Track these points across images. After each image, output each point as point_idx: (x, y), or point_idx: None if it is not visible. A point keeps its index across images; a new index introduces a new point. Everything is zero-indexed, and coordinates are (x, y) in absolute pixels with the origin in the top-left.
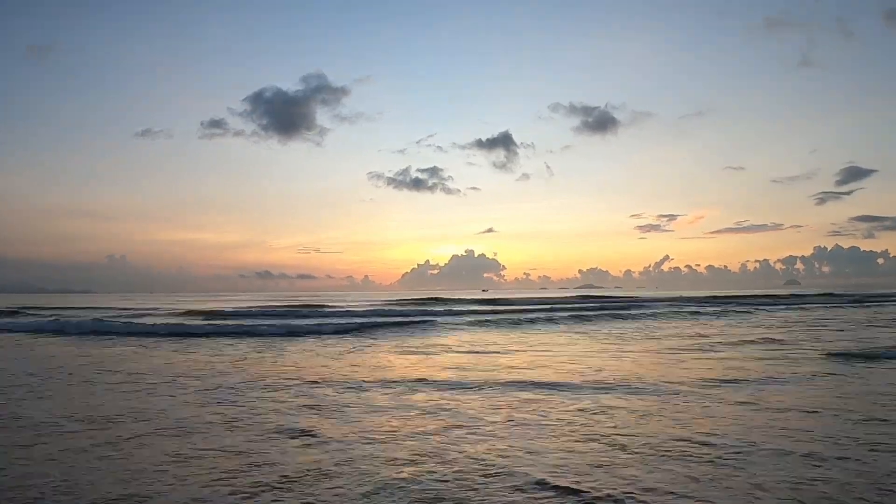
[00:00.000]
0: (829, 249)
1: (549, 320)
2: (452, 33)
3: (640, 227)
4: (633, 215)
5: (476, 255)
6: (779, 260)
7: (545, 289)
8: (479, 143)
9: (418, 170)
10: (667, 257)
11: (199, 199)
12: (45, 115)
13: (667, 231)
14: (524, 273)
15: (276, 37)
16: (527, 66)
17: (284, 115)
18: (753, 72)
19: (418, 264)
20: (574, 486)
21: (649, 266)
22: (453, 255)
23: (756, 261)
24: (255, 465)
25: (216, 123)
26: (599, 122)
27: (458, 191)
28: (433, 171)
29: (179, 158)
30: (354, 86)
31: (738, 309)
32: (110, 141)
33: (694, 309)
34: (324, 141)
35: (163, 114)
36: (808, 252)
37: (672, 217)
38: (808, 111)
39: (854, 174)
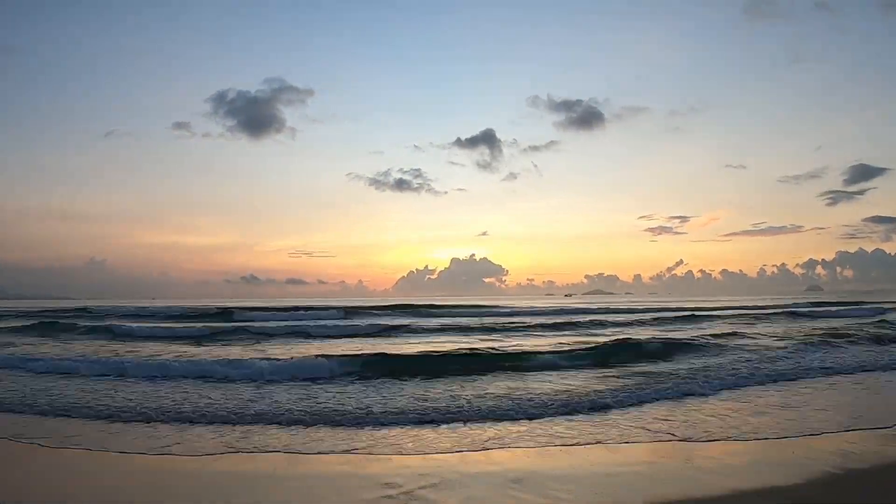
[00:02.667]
0: (852, 253)
1: None
2: (422, 28)
3: (650, 230)
4: (642, 216)
5: (478, 259)
6: (798, 264)
7: (551, 295)
8: (460, 142)
9: (400, 170)
10: (681, 261)
11: (180, 201)
12: (9, 116)
13: (680, 233)
14: (528, 279)
15: (239, 38)
16: (506, 59)
17: (252, 116)
18: (748, 64)
19: (417, 269)
20: None
21: (661, 271)
22: (453, 259)
23: (773, 265)
24: None
25: (183, 125)
26: (586, 116)
27: (445, 192)
28: (416, 172)
29: (155, 159)
30: (321, 86)
31: None
32: (80, 142)
33: None
34: (297, 143)
35: (129, 115)
36: (829, 256)
37: (684, 219)
38: (811, 106)
39: (864, 173)
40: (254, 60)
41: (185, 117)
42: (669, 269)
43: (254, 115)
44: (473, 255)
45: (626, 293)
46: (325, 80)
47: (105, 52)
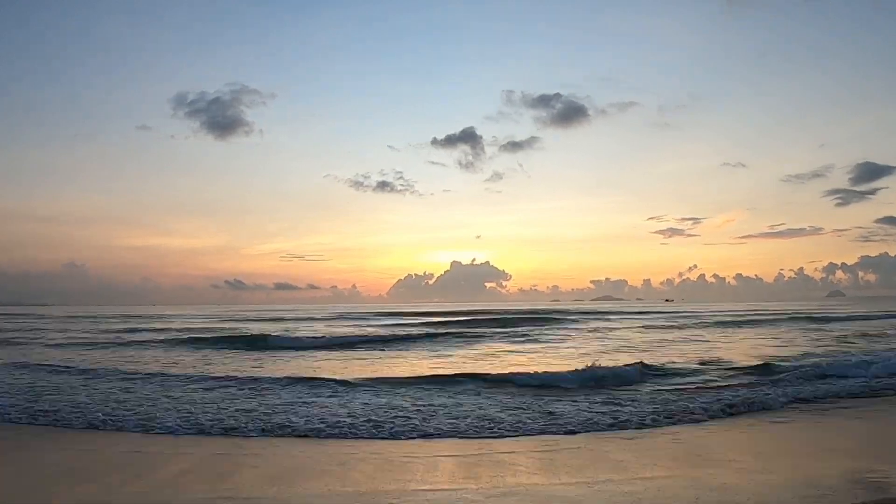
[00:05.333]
0: (874, 256)
1: None
2: (391, 22)
3: (660, 232)
4: (651, 218)
5: (479, 263)
6: (817, 268)
7: (557, 300)
8: (437, 142)
9: (381, 172)
10: (694, 266)
11: (159, 204)
12: None
13: (692, 236)
14: (531, 284)
15: (207, 39)
16: (488, 54)
17: (219, 118)
18: (740, 57)
19: (415, 274)
20: None
21: (672, 275)
22: (454, 262)
23: (791, 269)
24: None
25: (147, 128)
26: (568, 112)
27: (431, 194)
28: (398, 174)
29: (128, 161)
30: (290, 87)
31: None
32: (50, 144)
33: None
34: (271, 144)
35: (94, 117)
36: (847, 259)
37: (697, 220)
38: (812, 102)
39: (871, 171)
40: (217, 63)
41: (149, 120)
42: (681, 274)
43: (220, 118)
44: (475, 259)
45: (637, 299)
46: (291, 81)
47: (72, 52)
